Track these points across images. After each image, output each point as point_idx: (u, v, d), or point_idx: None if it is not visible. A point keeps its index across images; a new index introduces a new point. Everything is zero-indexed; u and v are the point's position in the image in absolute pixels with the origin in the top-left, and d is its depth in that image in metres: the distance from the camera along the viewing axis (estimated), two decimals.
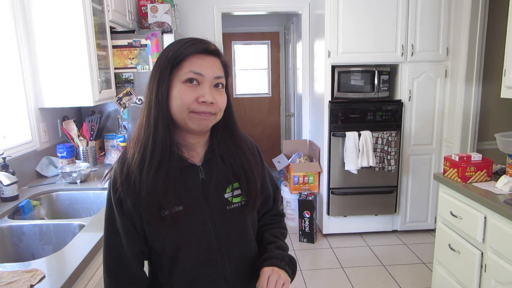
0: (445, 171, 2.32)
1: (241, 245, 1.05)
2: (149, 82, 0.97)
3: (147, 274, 1.08)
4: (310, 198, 3.56)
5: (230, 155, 1.03)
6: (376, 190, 3.57)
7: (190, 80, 0.93)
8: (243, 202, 1.03)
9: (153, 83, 0.96)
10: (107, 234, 1.01)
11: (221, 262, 1.01)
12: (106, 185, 1.01)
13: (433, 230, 3.63)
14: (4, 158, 1.88)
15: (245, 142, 1.07)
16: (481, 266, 1.99)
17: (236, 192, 1.02)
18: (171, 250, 0.98)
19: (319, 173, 3.70)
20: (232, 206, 1.02)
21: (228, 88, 1.02)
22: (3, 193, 1.86)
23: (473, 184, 2.15)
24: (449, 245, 2.25)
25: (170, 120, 0.95)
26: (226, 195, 1.01)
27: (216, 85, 0.96)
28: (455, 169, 2.22)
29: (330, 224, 3.67)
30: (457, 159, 2.20)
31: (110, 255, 1.01)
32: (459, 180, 2.20)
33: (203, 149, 1.03)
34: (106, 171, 1.04)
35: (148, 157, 0.94)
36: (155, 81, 0.95)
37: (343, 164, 3.47)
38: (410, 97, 3.46)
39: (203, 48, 0.95)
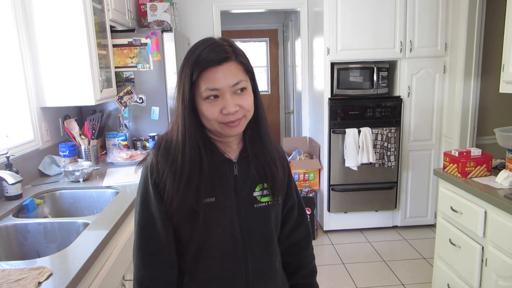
0: (445, 167, 2.34)
1: (264, 244, 1.07)
2: (177, 91, 0.99)
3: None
4: (310, 195, 3.57)
5: (263, 156, 1.06)
6: (376, 186, 3.59)
7: (209, 97, 0.95)
8: (269, 203, 1.06)
9: (180, 94, 0.98)
10: (141, 217, 1.00)
11: (244, 258, 1.03)
12: (139, 172, 1.03)
13: (433, 225, 3.65)
14: (8, 157, 1.89)
15: (275, 148, 1.10)
16: (482, 261, 2.01)
17: (265, 192, 1.05)
18: (198, 240, 1.00)
19: (320, 170, 3.71)
20: (260, 205, 1.05)
21: (255, 84, 1.02)
22: (7, 192, 1.87)
23: (473, 179, 2.17)
24: (450, 240, 2.26)
25: (202, 125, 0.99)
26: (255, 193, 1.05)
27: (238, 90, 0.96)
28: (455, 165, 2.23)
29: (331, 220, 3.69)
30: (456, 154, 2.22)
31: (144, 238, 1.00)
32: (459, 175, 2.21)
33: (239, 146, 1.06)
34: (141, 159, 1.07)
35: (188, 147, 0.97)
36: (181, 93, 0.97)
37: (343, 160, 3.49)
38: (409, 93, 3.48)
39: (213, 59, 0.94)
